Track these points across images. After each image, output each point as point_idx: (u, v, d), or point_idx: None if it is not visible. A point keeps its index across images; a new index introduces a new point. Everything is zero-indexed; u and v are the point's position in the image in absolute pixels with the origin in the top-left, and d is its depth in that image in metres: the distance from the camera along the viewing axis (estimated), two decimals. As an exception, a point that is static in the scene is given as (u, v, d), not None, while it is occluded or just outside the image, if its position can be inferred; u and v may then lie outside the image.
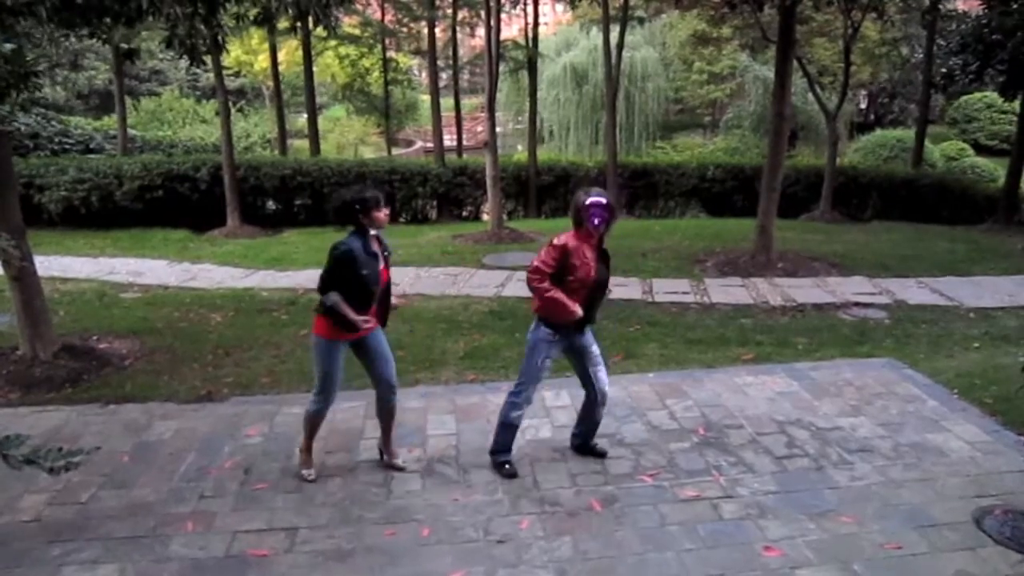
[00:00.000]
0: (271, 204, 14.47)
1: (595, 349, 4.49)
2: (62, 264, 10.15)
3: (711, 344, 6.96)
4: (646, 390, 5.72)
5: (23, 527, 4.09)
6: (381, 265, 4.25)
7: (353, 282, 4.16)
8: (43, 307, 6.59)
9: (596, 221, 4.11)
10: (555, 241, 4.20)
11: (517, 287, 9.03)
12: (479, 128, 27.74)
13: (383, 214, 4.24)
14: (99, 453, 4.55)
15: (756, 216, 10.21)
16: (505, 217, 13.19)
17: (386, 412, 4.57)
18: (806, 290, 8.84)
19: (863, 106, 30.60)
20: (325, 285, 4.21)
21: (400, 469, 4.55)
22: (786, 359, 6.50)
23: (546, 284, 4.17)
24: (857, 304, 8.30)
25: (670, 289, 8.84)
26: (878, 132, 22.77)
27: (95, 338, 7.19)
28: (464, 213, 15.31)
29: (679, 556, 3.76)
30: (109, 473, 4.61)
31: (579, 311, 4.15)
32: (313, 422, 4.50)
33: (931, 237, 12.34)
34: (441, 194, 14.81)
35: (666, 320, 7.71)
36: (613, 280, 8.87)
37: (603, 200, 4.15)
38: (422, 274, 9.65)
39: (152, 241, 12.15)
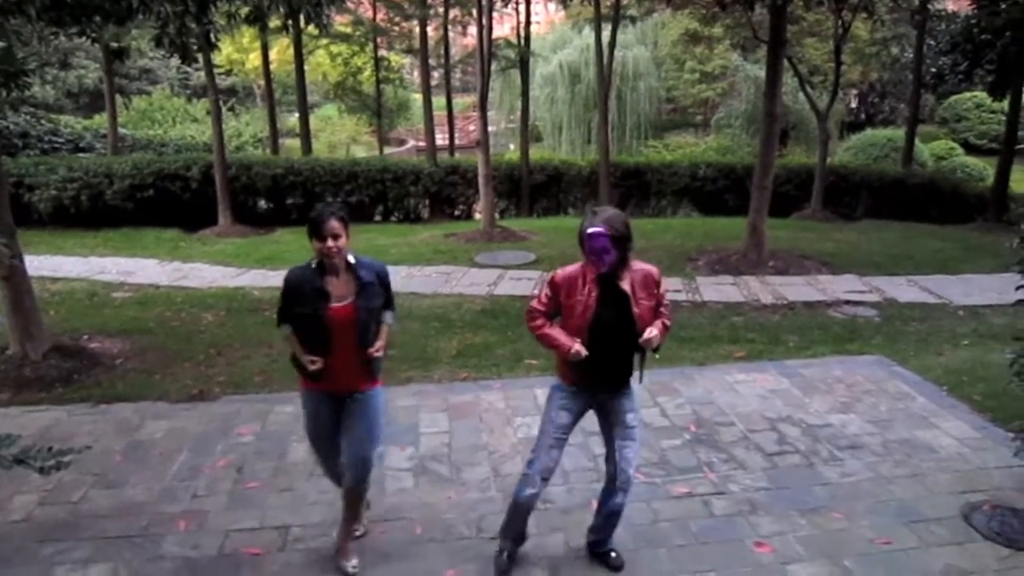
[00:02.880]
0: (263, 203, 14.42)
1: (630, 418, 3.52)
2: (52, 264, 10.10)
3: (702, 342, 6.99)
4: (637, 387, 5.72)
5: (14, 527, 4.08)
6: (336, 304, 3.41)
7: (293, 320, 3.51)
8: (33, 307, 6.56)
9: (593, 257, 3.29)
10: (555, 275, 3.47)
11: (509, 285, 9.04)
12: (471, 127, 27.74)
13: (323, 245, 3.34)
14: (91, 453, 4.54)
15: (747, 215, 10.25)
16: (497, 216, 13.19)
17: (347, 495, 3.67)
18: (797, 288, 8.88)
19: (853, 105, 30.74)
20: (279, 314, 3.59)
21: (351, 575, 3.64)
22: (777, 357, 6.53)
23: (539, 322, 3.45)
24: (847, 302, 8.35)
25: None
26: (868, 131, 22.87)
27: (86, 337, 7.16)
28: (456, 212, 15.30)
29: (671, 552, 3.79)
30: (101, 473, 4.59)
31: (579, 349, 3.32)
32: (343, 489, 3.72)
33: (921, 236, 12.41)
34: (433, 193, 14.80)
35: (658, 318, 7.72)
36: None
37: (601, 229, 3.21)
38: (415, 273, 9.65)
39: (143, 240, 12.10)
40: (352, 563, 3.67)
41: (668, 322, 3.57)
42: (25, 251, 6.54)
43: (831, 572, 3.62)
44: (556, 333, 3.42)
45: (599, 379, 3.46)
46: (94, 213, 13.19)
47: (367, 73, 22.63)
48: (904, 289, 8.88)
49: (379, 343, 3.56)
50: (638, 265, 3.42)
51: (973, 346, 6.88)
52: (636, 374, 3.55)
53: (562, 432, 3.50)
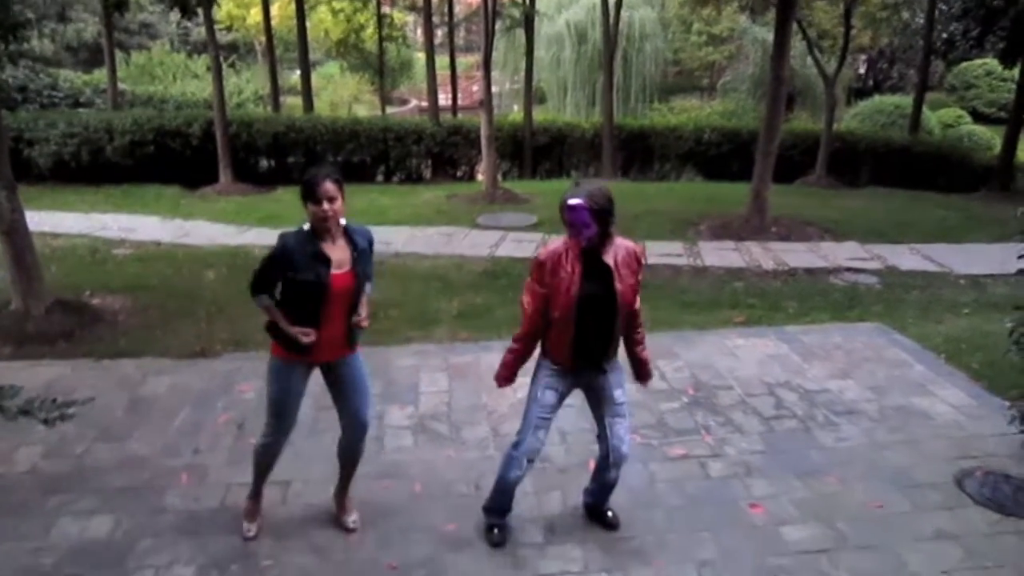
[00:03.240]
0: (264, 161, 14.34)
1: (618, 395, 3.48)
2: (53, 219, 10.07)
3: (703, 307, 7.00)
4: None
5: (19, 478, 4.14)
6: (336, 271, 3.29)
7: (287, 287, 3.34)
8: (35, 262, 6.56)
9: (572, 229, 3.21)
10: (540, 254, 3.35)
11: (511, 247, 9.03)
12: (475, 87, 27.44)
13: (318, 209, 3.20)
14: (93, 407, 4.57)
15: (751, 180, 10.19)
16: (500, 177, 13.11)
17: (349, 457, 3.71)
18: (799, 255, 8.87)
19: (862, 71, 30.31)
20: (256, 283, 3.37)
21: (351, 530, 3.69)
22: (777, 323, 6.55)
23: (526, 328, 3.40)
24: (849, 269, 8.34)
25: (663, 251, 8.85)
26: (876, 98, 22.59)
27: (88, 294, 7.18)
28: (459, 173, 15.20)
29: (667, 512, 3.85)
30: (104, 427, 4.65)
31: (505, 381, 3.52)
32: (261, 460, 3.62)
33: (925, 204, 12.35)
34: (436, 154, 14.69)
35: (658, 282, 7.74)
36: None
37: (580, 201, 3.12)
38: (416, 233, 9.63)
39: (144, 197, 12.05)
40: (352, 518, 3.72)
41: (642, 332, 3.64)
42: (26, 207, 6.52)
43: (823, 534, 3.68)
44: (517, 363, 3.50)
45: (585, 358, 3.39)
46: (94, 169, 13.11)
47: (369, 31, 22.31)
48: (906, 257, 8.87)
49: (365, 312, 3.48)
50: (621, 241, 3.34)
51: (973, 315, 6.90)
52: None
53: (548, 412, 3.46)
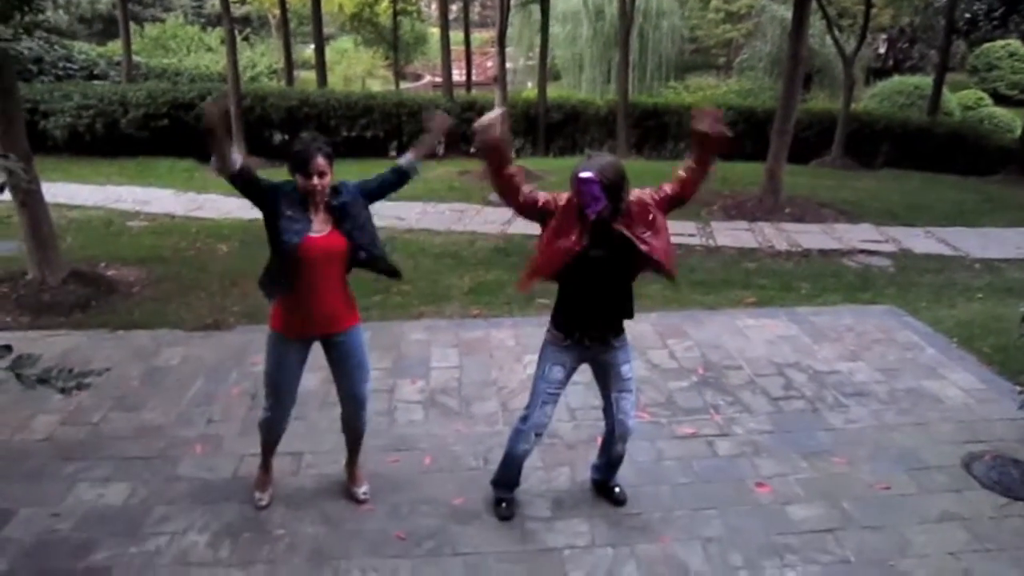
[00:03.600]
0: (277, 135, 14.35)
1: (625, 370, 3.46)
2: (68, 191, 10.15)
3: (714, 286, 6.99)
4: (648, 329, 5.77)
5: (37, 446, 4.22)
6: (316, 234, 3.21)
7: (272, 239, 3.25)
8: (51, 233, 6.63)
9: (583, 203, 3.10)
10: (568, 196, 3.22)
11: (522, 225, 8.96)
12: (489, 63, 27.27)
13: (307, 183, 3.14)
14: (109, 377, 4.62)
15: (766, 160, 10.11)
16: (513, 155, 13.06)
17: (351, 431, 3.72)
18: (812, 236, 8.82)
19: (882, 51, 29.89)
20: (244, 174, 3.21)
21: (361, 501, 3.73)
22: (788, 303, 6.54)
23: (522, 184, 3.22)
24: (862, 251, 8.30)
25: (675, 231, 8.71)
26: (895, 78, 22.27)
27: (103, 265, 7.25)
28: (471, 150, 15.15)
29: (673, 490, 3.88)
30: (119, 396, 4.72)
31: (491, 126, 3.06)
32: (266, 435, 3.65)
33: (942, 187, 12.23)
34: (449, 130, 14.64)
35: (670, 262, 7.71)
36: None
37: (591, 175, 3.02)
38: (428, 209, 9.64)
39: (158, 170, 12.11)
40: (363, 489, 3.77)
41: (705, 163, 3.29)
42: (41, 178, 6.57)
43: (829, 513, 3.70)
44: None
45: (590, 330, 3.36)
46: (109, 141, 13.18)
47: (384, 4, 22.18)
48: (921, 240, 8.80)
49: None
50: (630, 198, 3.20)
51: (987, 299, 6.85)
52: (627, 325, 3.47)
53: (555, 387, 3.44)
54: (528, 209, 3.25)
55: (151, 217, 9.28)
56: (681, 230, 8.87)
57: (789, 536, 3.54)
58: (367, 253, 3.34)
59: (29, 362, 2.88)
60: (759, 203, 9.85)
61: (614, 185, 3.08)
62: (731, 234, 8.80)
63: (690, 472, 4.03)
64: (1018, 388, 4.64)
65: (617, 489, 3.79)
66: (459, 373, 5.08)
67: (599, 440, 4.21)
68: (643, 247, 3.16)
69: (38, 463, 4.05)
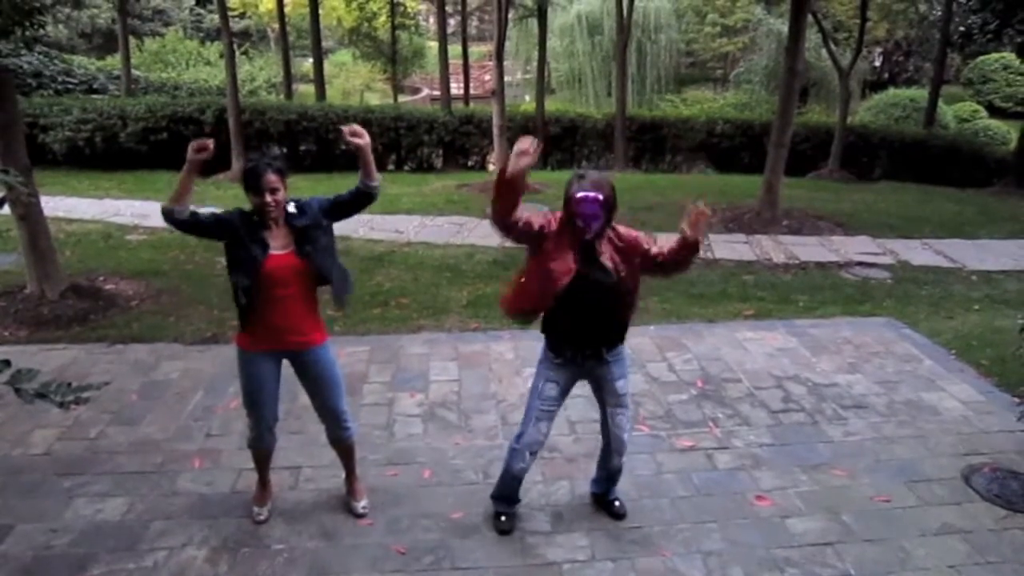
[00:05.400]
0: (276, 149, 14.39)
1: (620, 385, 3.47)
2: (67, 204, 10.15)
3: (712, 299, 7.00)
4: (647, 342, 5.78)
5: (35, 460, 4.21)
6: (276, 251, 3.23)
7: (231, 262, 3.30)
8: (49, 246, 6.63)
9: (582, 223, 3.12)
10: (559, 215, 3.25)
11: (521, 238, 9.03)
12: (487, 77, 27.32)
13: (260, 200, 3.14)
14: (107, 391, 4.63)
15: (763, 173, 10.15)
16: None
17: (340, 448, 3.73)
18: (810, 248, 8.84)
19: (877, 64, 30.08)
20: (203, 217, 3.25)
21: (360, 515, 3.71)
22: (787, 316, 6.55)
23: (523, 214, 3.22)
24: (860, 263, 8.31)
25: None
26: (891, 91, 22.41)
27: (102, 279, 7.24)
28: (470, 163, 15.22)
29: (673, 503, 3.87)
30: (117, 410, 4.70)
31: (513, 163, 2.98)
32: (254, 453, 3.66)
33: (938, 199, 12.27)
34: (447, 143, 14.71)
35: (669, 275, 7.72)
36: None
37: (594, 194, 3.07)
38: (427, 222, 9.66)
39: (157, 183, 12.11)
40: (362, 504, 3.76)
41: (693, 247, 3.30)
42: (40, 191, 6.59)
43: (829, 527, 3.69)
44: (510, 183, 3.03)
45: (583, 350, 3.37)
46: (108, 155, 13.21)
47: (382, 19, 22.27)
48: (918, 252, 8.82)
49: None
50: (620, 230, 3.28)
51: (984, 311, 6.87)
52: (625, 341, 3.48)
53: (550, 404, 3.44)
54: (525, 233, 3.23)
55: (150, 231, 9.28)
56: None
57: (789, 549, 3.53)
58: (324, 277, 3.36)
59: (28, 376, 2.86)
60: (757, 216, 9.87)
61: (610, 201, 3.14)
62: (729, 247, 8.82)
63: (690, 485, 4.03)
64: (1016, 400, 4.65)
65: (616, 503, 3.78)
66: (458, 386, 5.08)
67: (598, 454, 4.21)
68: (615, 279, 3.20)
69: (36, 478, 4.03)
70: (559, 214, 3.24)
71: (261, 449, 3.63)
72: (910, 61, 28.68)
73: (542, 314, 3.39)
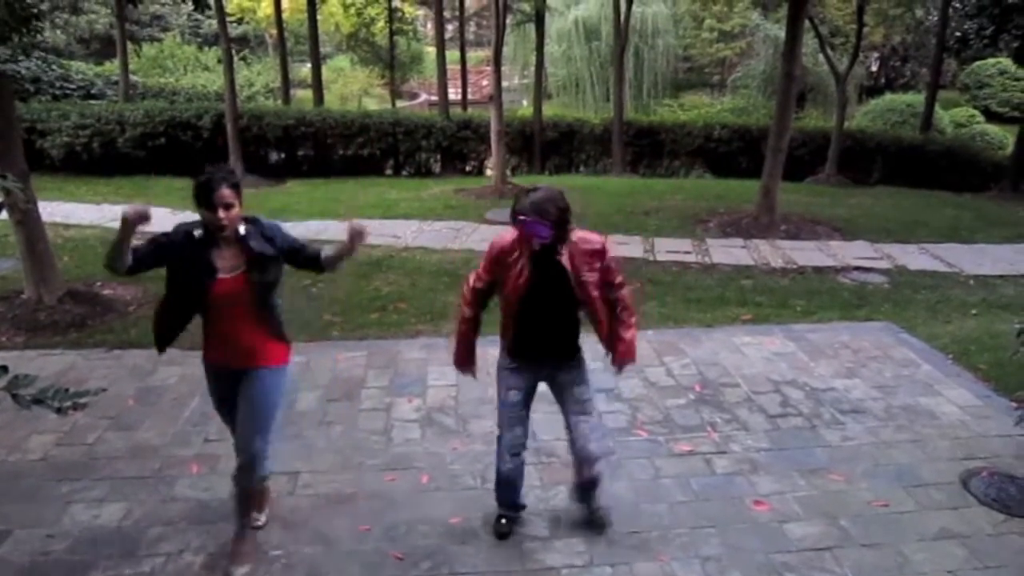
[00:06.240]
0: (274, 154, 14.41)
1: (579, 392, 3.42)
2: (64, 210, 10.15)
3: (710, 304, 7.01)
4: (644, 347, 5.76)
5: (32, 465, 4.20)
6: (224, 275, 3.08)
7: (171, 282, 3.16)
8: (47, 252, 6.62)
9: (527, 241, 3.17)
10: (492, 244, 3.36)
11: (519, 243, 9.03)
12: (484, 82, 27.40)
13: (212, 216, 2.98)
14: (105, 396, 4.60)
15: (761, 178, 10.17)
16: (509, 172, 13.12)
17: (237, 481, 3.35)
18: (807, 253, 8.86)
19: (874, 69, 30.16)
20: (133, 254, 3.06)
21: (256, 527, 3.53)
22: (784, 320, 6.55)
23: (467, 312, 3.45)
24: (858, 268, 8.33)
25: (671, 248, 8.86)
26: (888, 96, 22.46)
27: (99, 284, 7.23)
28: (468, 168, 15.22)
29: (672, 508, 3.87)
30: (115, 416, 4.70)
31: (468, 368, 3.58)
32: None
33: (936, 203, 12.30)
34: (445, 148, 14.71)
35: (666, 279, 7.75)
36: (615, 239, 8.82)
37: (532, 220, 3.07)
38: (424, 227, 9.67)
39: (155, 189, 12.12)
40: (242, 570, 3.34)
41: (630, 318, 3.44)
42: (38, 197, 6.58)
43: (827, 531, 3.69)
44: (464, 342, 3.50)
45: (538, 354, 3.39)
46: (106, 160, 13.20)
47: (380, 24, 22.34)
48: (915, 257, 8.84)
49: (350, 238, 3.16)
50: (580, 235, 3.26)
51: (982, 315, 6.88)
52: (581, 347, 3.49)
53: (517, 410, 3.44)
54: (484, 295, 3.43)
55: (147, 236, 9.26)
56: (677, 247, 8.91)
57: (787, 554, 3.53)
58: (261, 309, 3.21)
59: (25, 382, 2.86)
60: (754, 221, 9.89)
61: (558, 220, 3.11)
62: (727, 251, 8.83)
63: (688, 490, 4.03)
64: (1014, 404, 4.66)
65: (597, 512, 3.68)
66: (456, 391, 5.07)
67: (597, 458, 4.20)
68: (575, 283, 3.21)
69: (33, 483, 4.02)
70: (499, 240, 3.33)
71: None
72: (907, 66, 28.77)
73: (503, 326, 3.40)
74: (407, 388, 5.10)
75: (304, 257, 3.29)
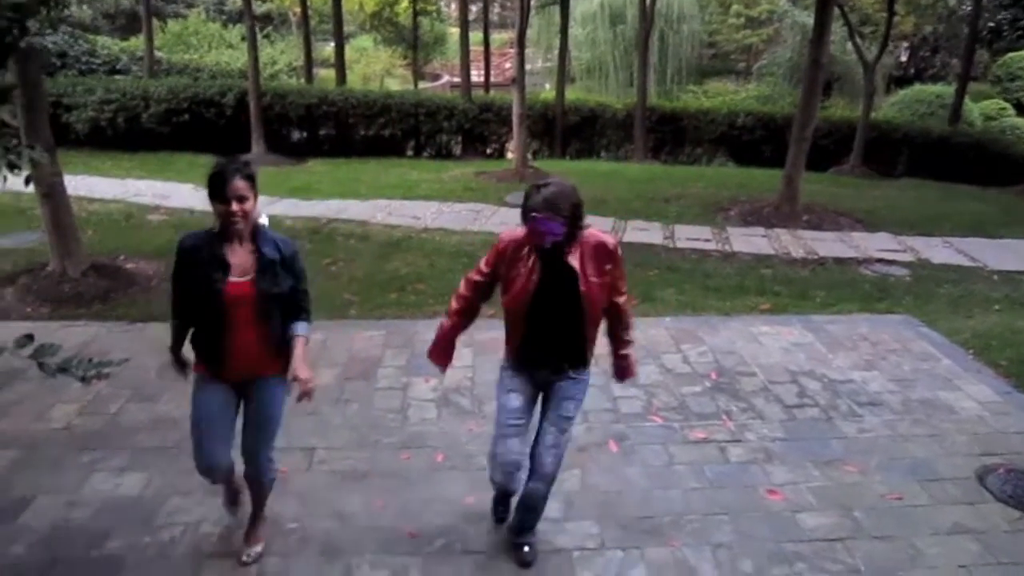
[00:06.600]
0: (296, 133, 14.45)
1: (567, 407, 3.18)
2: (89, 184, 10.26)
3: (729, 292, 6.98)
4: (662, 334, 5.78)
5: (55, 434, 4.29)
6: (235, 278, 2.92)
7: (184, 294, 3.03)
8: (72, 225, 6.71)
9: (537, 240, 2.93)
10: (500, 237, 3.14)
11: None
12: (507, 64, 27.28)
13: (226, 209, 2.84)
14: (126, 369, 4.65)
15: (784, 167, 10.08)
16: (530, 156, 13.08)
17: (250, 485, 3.36)
18: (829, 244, 8.78)
19: (903, 59, 29.63)
20: (173, 301, 3.10)
21: (244, 563, 3.32)
22: (803, 311, 6.51)
23: (455, 306, 3.25)
24: (880, 260, 8.24)
25: (691, 236, 8.81)
26: (917, 87, 22.08)
27: (122, 258, 7.33)
28: (488, 150, 15.19)
29: (684, 494, 3.88)
30: (136, 388, 4.77)
31: (441, 364, 3.35)
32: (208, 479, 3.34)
33: (962, 197, 12.13)
34: (466, 130, 14.70)
35: (685, 266, 7.72)
36: (635, 225, 8.79)
37: (544, 216, 2.83)
38: (444, 209, 9.68)
39: (178, 165, 12.21)
40: (254, 550, 3.35)
41: (629, 334, 3.26)
42: (63, 171, 6.65)
43: (840, 522, 3.69)
44: (444, 340, 3.30)
45: (543, 359, 3.14)
46: (130, 135, 13.32)
47: (404, 4, 22.28)
48: (939, 250, 8.73)
49: (302, 370, 3.00)
50: (592, 234, 3.02)
51: (1005, 312, 6.79)
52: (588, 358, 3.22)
53: (516, 417, 3.14)
54: (482, 291, 3.22)
55: (170, 211, 9.37)
56: (697, 235, 8.86)
57: (800, 544, 3.53)
58: (264, 316, 3.02)
59: (50, 351, 2.92)
60: (776, 210, 9.81)
61: (571, 217, 2.88)
62: (747, 240, 8.77)
63: (702, 477, 4.03)
64: (1035, 401, 4.61)
65: (527, 548, 3.37)
66: (472, 372, 5.10)
67: (611, 443, 4.23)
68: (581, 286, 2.97)
69: (56, 452, 4.11)
70: (508, 236, 3.10)
71: (210, 477, 3.30)
72: (937, 57, 28.24)
73: (511, 334, 3.18)
74: (424, 368, 5.11)
75: (293, 302, 3.08)
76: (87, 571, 3.27)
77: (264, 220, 3.04)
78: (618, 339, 3.31)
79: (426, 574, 3.29)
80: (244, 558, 3.32)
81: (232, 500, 3.55)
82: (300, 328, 3.11)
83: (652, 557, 3.43)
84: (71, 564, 3.30)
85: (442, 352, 3.36)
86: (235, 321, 2.97)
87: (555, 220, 2.83)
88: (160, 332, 5.57)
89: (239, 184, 2.82)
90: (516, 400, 3.16)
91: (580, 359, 3.18)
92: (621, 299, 3.18)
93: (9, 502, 3.68)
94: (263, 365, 3.09)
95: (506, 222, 9.17)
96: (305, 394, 3.05)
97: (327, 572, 3.30)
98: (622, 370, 3.39)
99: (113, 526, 3.53)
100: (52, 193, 6.42)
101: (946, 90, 19.69)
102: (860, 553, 3.48)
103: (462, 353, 5.32)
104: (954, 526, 3.69)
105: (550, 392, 3.22)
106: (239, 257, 2.94)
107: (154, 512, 3.63)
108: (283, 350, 3.09)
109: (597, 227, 3.14)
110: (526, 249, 3.00)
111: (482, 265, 3.20)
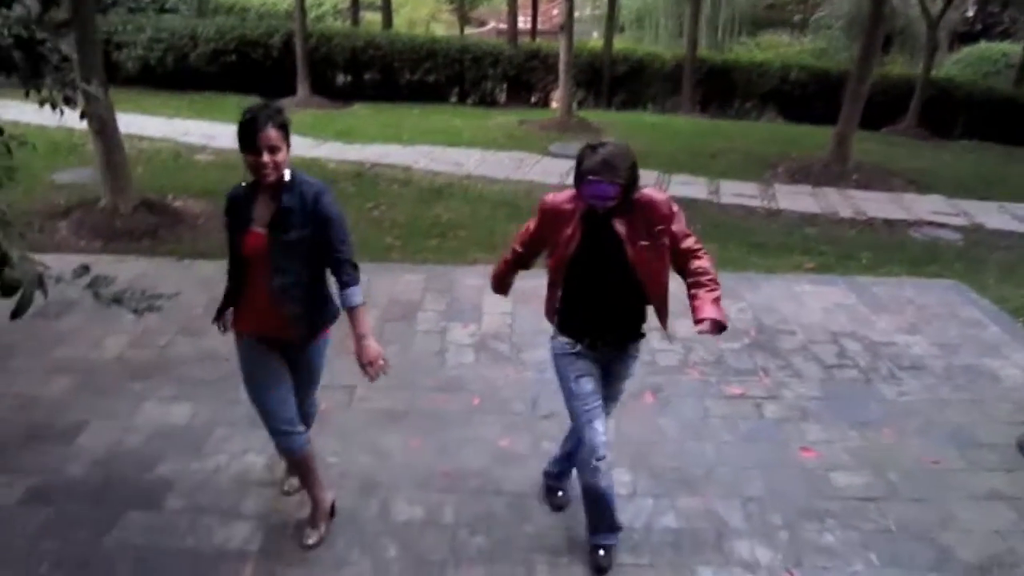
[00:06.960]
0: (341, 76, 14.43)
1: (621, 388, 3.13)
2: (139, 123, 10.40)
3: (772, 250, 6.88)
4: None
5: (109, 363, 4.46)
6: (255, 228, 2.77)
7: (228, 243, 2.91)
8: (123, 162, 6.85)
9: (591, 203, 2.71)
10: (544, 199, 2.91)
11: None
12: (555, 11, 26.70)
13: (256, 160, 2.63)
14: (174, 304, 4.77)
15: (836, 124, 9.80)
16: (575, 106, 12.90)
17: (290, 464, 3.31)
18: (879, 204, 8.56)
19: (970, 14, 28.26)
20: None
21: (287, 493, 3.41)
22: (848, 272, 6.41)
23: (500, 268, 3.28)
24: (931, 223, 8.03)
25: (737, 191, 8.67)
26: (982, 44, 21.13)
27: (171, 196, 7.47)
28: (533, 99, 15.01)
29: (717, 447, 3.90)
30: (184, 322, 4.92)
31: (496, 290, 3.37)
32: (288, 460, 3.26)
33: (1020, 161, 11.68)
34: (511, 77, 14.52)
35: (729, 222, 7.61)
36: (679, 179, 8.64)
37: (606, 182, 2.62)
38: (488, 157, 9.64)
39: (225, 105, 12.29)
40: (314, 536, 3.19)
41: (712, 280, 2.87)
42: (114, 108, 6.76)
43: (874, 483, 3.68)
44: (499, 276, 3.31)
45: (596, 335, 2.92)
46: (178, 75, 13.45)
47: (452, -53, 21.84)
48: (993, 215, 8.47)
49: (369, 350, 2.85)
50: (641, 194, 2.77)
51: (1059, 280, 6.60)
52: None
53: (594, 400, 2.92)
54: (531, 253, 3.14)
55: (217, 151, 9.48)
56: (743, 191, 8.71)
57: (831, 502, 3.54)
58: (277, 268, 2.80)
59: (105, 282, 3.02)
60: (825, 168, 9.57)
61: (629, 181, 2.68)
62: (794, 198, 8.60)
63: (736, 431, 4.05)
64: (1084, 372, 4.50)
65: (602, 552, 3.10)
66: (511, 320, 5.15)
67: (647, 394, 4.25)
68: (630, 252, 2.75)
69: (109, 380, 4.28)
70: (552, 199, 2.88)
71: (287, 455, 3.18)
72: (1006, 13, 26.88)
73: (549, 301, 3.02)
74: (463, 314, 5.19)
75: (333, 259, 2.83)
76: (139, 492, 3.43)
77: (288, 175, 2.78)
78: (705, 288, 2.87)
79: (459, 512, 3.38)
80: (306, 540, 3.16)
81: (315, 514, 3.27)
82: (354, 296, 2.83)
83: (682, 506, 3.47)
84: (124, 485, 3.47)
85: (500, 285, 3.42)
86: (258, 279, 2.83)
87: (613, 183, 2.62)
88: (207, 270, 5.75)
89: (271, 134, 2.62)
90: (588, 384, 2.93)
91: (637, 333, 3.00)
92: (700, 259, 2.91)
93: (67, 425, 3.86)
94: (295, 329, 2.91)
95: (549, 171, 9.12)
96: (378, 371, 2.88)
97: (365, 506, 3.41)
98: (710, 315, 2.78)
99: (163, 452, 3.68)
100: (104, 130, 6.54)
101: (1014, 48, 18.80)
102: (892, 514, 3.48)
103: (501, 301, 5.38)
104: (990, 492, 3.66)
105: (609, 369, 3.03)
106: (262, 207, 2.78)
107: (202, 440, 3.78)
108: (316, 306, 2.97)
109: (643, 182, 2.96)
110: (569, 212, 2.80)
111: (521, 239, 3.11)
